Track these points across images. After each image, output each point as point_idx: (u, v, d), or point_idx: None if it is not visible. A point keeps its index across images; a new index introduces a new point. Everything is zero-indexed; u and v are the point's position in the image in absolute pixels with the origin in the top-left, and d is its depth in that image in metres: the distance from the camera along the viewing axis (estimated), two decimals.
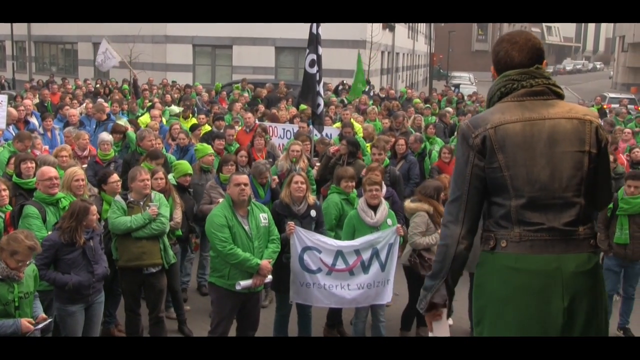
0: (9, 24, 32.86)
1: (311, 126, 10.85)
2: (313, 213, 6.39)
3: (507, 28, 76.08)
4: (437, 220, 6.59)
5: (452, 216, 2.79)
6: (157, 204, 6.18)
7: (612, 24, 64.88)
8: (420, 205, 6.61)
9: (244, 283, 5.66)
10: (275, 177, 8.09)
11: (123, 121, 11.34)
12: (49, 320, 5.03)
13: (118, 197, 6.25)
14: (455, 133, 2.67)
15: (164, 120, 12.49)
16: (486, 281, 2.80)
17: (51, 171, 5.99)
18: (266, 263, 5.72)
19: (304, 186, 6.32)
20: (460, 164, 2.80)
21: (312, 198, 6.53)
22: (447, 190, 6.87)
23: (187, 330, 6.93)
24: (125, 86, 21.06)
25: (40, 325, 4.89)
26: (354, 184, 6.87)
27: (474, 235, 2.82)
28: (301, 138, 9.62)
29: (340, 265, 6.12)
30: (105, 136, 8.98)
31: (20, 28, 35.36)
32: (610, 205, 7.10)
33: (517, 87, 2.78)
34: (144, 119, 12.39)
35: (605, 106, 19.80)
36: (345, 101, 17.99)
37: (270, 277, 5.84)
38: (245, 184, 5.75)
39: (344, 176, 6.82)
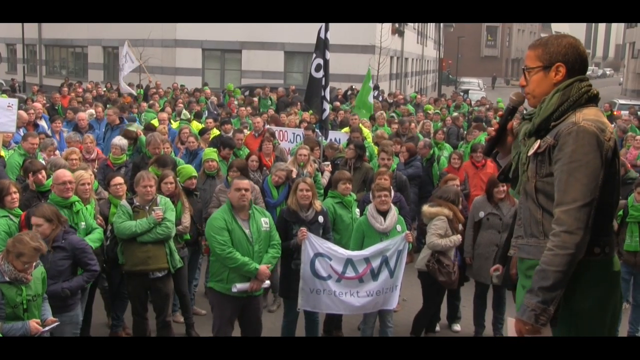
0: (20, 28, 33.08)
1: (317, 130, 10.85)
2: (320, 219, 6.38)
3: (516, 34, 75.86)
4: (456, 225, 6.58)
5: (582, 223, 2.65)
6: (162, 208, 6.18)
7: (622, 30, 64.55)
8: (441, 209, 6.60)
9: (240, 286, 5.67)
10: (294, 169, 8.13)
11: (135, 126, 11.36)
12: (57, 323, 5.04)
13: (124, 202, 6.26)
14: (552, 137, 2.58)
15: (173, 124, 12.53)
16: (593, 288, 2.77)
17: (66, 175, 6.01)
18: (264, 268, 5.71)
19: (309, 193, 6.30)
20: (593, 168, 2.67)
21: (318, 204, 6.50)
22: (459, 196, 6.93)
23: (195, 334, 6.92)
24: (141, 90, 21.13)
25: (48, 328, 4.91)
26: (350, 185, 6.90)
27: None
28: (310, 144, 9.60)
29: (350, 273, 6.11)
30: (117, 141, 8.95)
31: (31, 31, 35.56)
32: (620, 213, 7.05)
33: (597, 94, 2.86)
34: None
35: (615, 113, 19.66)
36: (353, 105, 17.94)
37: (268, 282, 5.86)
38: (246, 190, 5.74)
39: (342, 178, 6.86)
